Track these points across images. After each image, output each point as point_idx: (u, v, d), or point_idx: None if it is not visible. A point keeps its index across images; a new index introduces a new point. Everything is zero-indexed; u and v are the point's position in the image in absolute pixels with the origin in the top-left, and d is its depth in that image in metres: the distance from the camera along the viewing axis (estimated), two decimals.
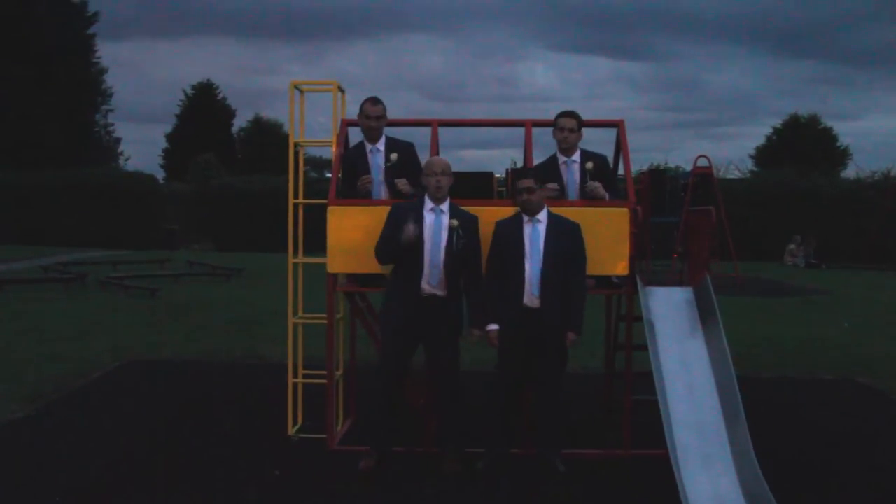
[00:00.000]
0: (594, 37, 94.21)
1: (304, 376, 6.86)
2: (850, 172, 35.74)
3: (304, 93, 6.82)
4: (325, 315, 6.52)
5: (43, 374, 8.70)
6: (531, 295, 5.72)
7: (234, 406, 7.62)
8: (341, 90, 6.82)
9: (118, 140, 44.53)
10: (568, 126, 6.35)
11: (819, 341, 11.40)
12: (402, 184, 6.25)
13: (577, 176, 6.39)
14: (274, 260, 21.29)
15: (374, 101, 6.39)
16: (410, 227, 5.63)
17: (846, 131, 77.67)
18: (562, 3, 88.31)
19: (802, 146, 40.31)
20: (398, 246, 5.68)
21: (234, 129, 50.02)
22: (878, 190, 29.09)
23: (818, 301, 16.35)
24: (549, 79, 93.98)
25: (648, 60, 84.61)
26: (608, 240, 6.13)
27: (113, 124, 43.69)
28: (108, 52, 71.41)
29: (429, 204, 5.83)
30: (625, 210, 6.18)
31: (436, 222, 5.79)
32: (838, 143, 43.05)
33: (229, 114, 50.13)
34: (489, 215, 5.99)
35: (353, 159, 6.45)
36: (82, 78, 39.85)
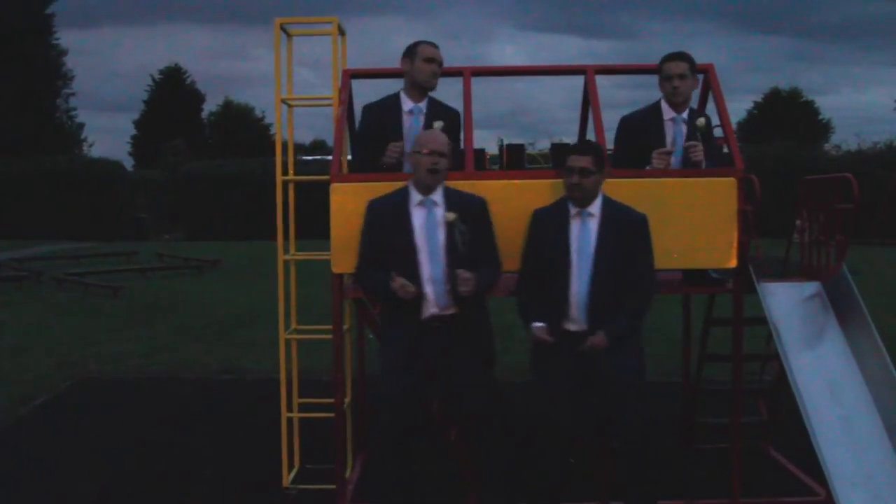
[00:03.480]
0: (563, 16, 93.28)
1: (302, 407, 5.25)
2: (830, 146, 34.80)
3: (293, 37, 5.18)
4: (328, 327, 4.92)
5: None
6: (575, 316, 4.11)
7: (210, 442, 5.99)
8: (342, 31, 5.17)
9: (81, 126, 42.26)
10: (677, 72, 4.72)
11: None
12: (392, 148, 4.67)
13: (683, 137, 4.77)
14: (253, 249, 19.64)
15: (433, 44, 4.78)
16: (409, 288, 4.00)
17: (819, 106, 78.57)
18: None
19: (787, 120, 39.44)
20: (386, 288, 4.07)
21: (205, 115, 48.23)
22: (884, 161, 27.76)
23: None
24: (520, 58, 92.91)
25: (617, 38, 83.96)
26: (708, 222, 4.56)
27: (75, 109, 41.42)
28: (73, 40, 69.22)
29: (415, 196, 4.18)
30: (731, 181, 4.59)
31: (428, 220, 4.15)
32: (820, 117, 42.54)
33: (199, 99, 48.41)
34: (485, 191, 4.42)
35: (382, 118, 4.78)
36: (41, 60, 37.61)
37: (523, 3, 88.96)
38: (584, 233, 4.13)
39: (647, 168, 4.67)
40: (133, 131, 47.43)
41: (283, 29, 5.05)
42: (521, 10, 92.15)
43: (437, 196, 4.17)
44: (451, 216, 4.09)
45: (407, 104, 4.77)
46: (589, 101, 5.00)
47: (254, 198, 28.53)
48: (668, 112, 4.80)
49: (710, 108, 5.18)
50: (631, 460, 4.19)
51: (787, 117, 40.24)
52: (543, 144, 22.66)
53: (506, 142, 6.71)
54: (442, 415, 4.71)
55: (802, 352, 4.34)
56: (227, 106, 46.97)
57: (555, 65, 5.48)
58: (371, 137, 4.78)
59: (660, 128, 4.78)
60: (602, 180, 4.18)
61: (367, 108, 4.83)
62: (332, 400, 4.81)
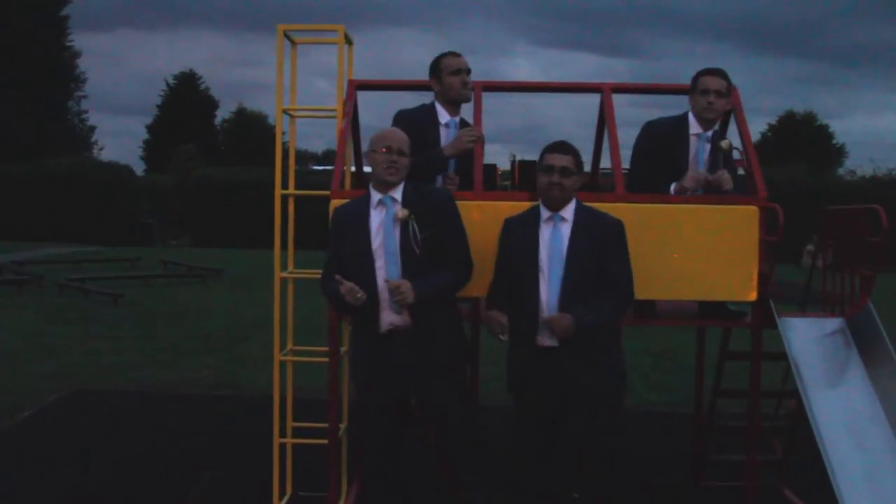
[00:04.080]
0: (580, 33, 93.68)
1: (296, 431, 5.00)
2: (845, 171, 34.61)
3: (297, 44, 4.97)
4: (323, 348, 4.69)
5: None
6: (548, 329, 3.81)
7: (198, 464, 5.73)
8: (349, 41, 4.96)
9: (92, 129, 42.30)
10: (715, 87, 4.47)
11: None
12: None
13: (706, 156, 4.53)
14: (258, 258, 19.42)
15: (456, 53, 4.59)
16: (356, 293, 3.75)
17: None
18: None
19: (799, 144, 39.13)
20: (338, 295, 3.84)
21: (218, 122, 48.26)
22: None
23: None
24: (534, 74, 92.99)
25: (634, 57, 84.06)
26: (728, 251, 4.32)
27: (87, 111, 41.48)
28: (89, 42, 69.37)
29: (374, 196, 3.93)
30: (753, 209, 4.35)
31: (387, 220, 3.89)
32: (833, 141, 42.23)
33: (212, 105, 48.35)
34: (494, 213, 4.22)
35: (419, 126, 4.46)
36: (54, 62, 37.62)
37: (539, 18, 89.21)
38: (555, 237, 3.86)
39: (674, 185, 4.42)
40: (146, 136, 47.39)
41: (286, 36, 4.83)
42: (536, 25, 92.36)
43: (397, 193, 3.91)
44: (403, 213, 3.83)
45: (444, 117, 4.58)
46: (605, 119, 4.78)
47: (262, 206, 28.38)
48: (695, 127, 4.55)
49: (731, 130, 4.96)
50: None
51: (801, 140, 39.93)
52: None
53: (518, 157, 6.36)
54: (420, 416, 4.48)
55: (823, 391, 4.09)
56: (241, 113, 46.92)
57: (570, 81, 5.23)
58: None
59: (685, 141, 4.54)
60: (579, 183, 3.95)
61: (403, 115, 4.56)
62: (327, 424, 4.58)
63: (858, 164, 62.06)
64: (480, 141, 4.51)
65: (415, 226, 3.83)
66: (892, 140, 77.52)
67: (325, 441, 4.66)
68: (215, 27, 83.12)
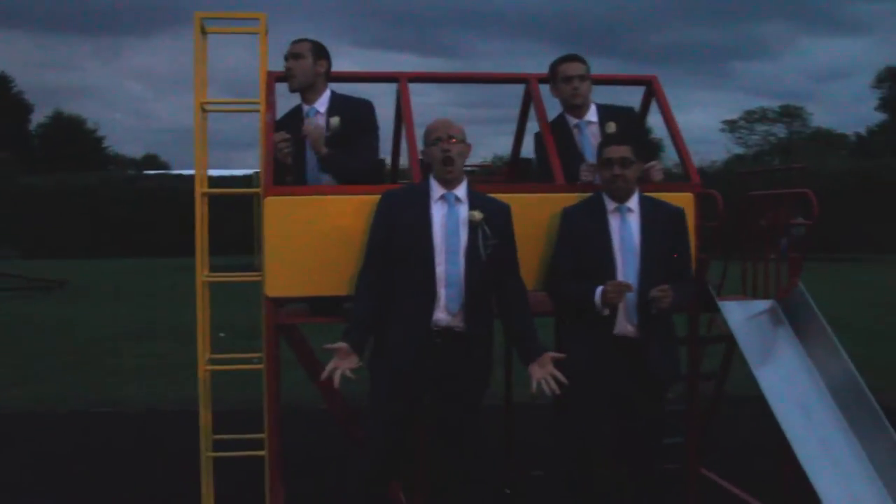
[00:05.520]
0: (400, 34, 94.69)
1: (221, 445, 4.69)
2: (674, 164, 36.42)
3: (209, 34, 4.65)
4: (250, 355, 4.44)
5: None
6: (625, 320, 3.87)
7: (92, 487, 5.31)
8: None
9: None
10: (576, 73, 4.47)
11: None
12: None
13: (594, 142, 4.46)
14: (99, 268, 18.40)
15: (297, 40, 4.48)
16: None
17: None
18: (368, 0, 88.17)
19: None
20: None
21: (33, 127, 45.67)
22: (723, 180, 29.08)
23: None
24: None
25: (453, 57, 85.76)
26: None
27: None
28: None
29: (437, 189, 3.78)
30: (688, 196, 4.41)
31: (449, 216, 3.73)
32: (651, 136, 44.50)
33: (26, 109, 45.61)
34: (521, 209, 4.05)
35: (286, 128, 4.38)
36: None
37: (361, 20, 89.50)
38: (625, 228, 3.91)
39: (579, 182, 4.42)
40: None
41: (202, 24, 4.52)
42: (360, 26, 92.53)
43: (461, 191, 3.77)
44: (478, 215, 3.71)
45: (304, 108, 4.51)
46: (536, 108, 4.75)
47: (95, 213, 27.03)
48: (571, 119, 4.58)
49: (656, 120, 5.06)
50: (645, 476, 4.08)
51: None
52: None
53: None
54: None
55: (766, 367, 4.20)
56: (58, 118, 44.70)
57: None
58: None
59: (567, 134, 4.56)
60: (640, 171, 4.01)
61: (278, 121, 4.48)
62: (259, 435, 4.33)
63: (673, 158, 65.70)
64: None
65: (487, 230, 3.71)
66: (699, 135, 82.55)
67: (259, 453, 4.43)
68: (28, 30, 78.37)
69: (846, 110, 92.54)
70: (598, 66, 4.95)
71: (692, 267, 4.10)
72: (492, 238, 3.72)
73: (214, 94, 4.50)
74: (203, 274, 4.52)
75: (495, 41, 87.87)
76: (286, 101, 4.74)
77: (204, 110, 4.60)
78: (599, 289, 3.78)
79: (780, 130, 65.41)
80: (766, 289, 4.63)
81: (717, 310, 4.42)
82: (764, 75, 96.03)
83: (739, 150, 57.21)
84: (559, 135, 4.58)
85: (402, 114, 4.71)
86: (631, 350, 3.87)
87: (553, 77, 4.57)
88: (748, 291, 4.76)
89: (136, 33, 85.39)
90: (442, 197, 3.76)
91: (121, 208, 28.47)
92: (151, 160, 60.93)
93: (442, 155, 3.71)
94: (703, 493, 4.73)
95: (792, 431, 3.88)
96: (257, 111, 4.51)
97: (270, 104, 4.50)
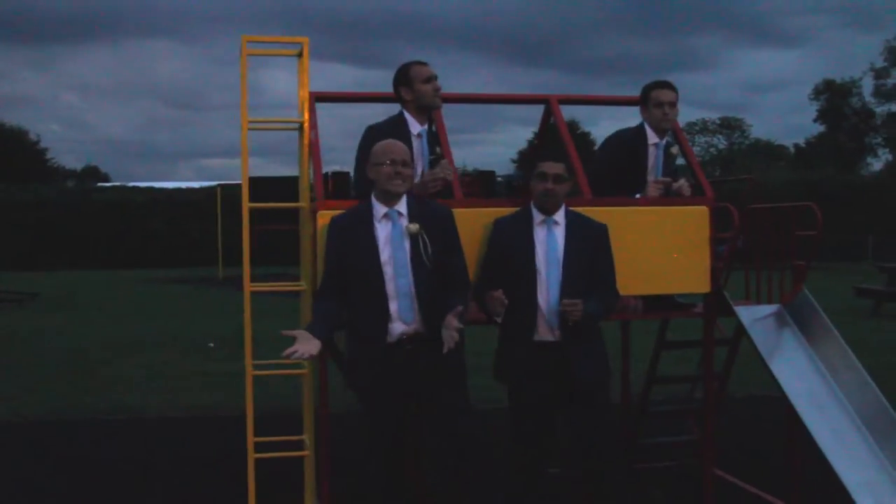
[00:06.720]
0: (336, 45, 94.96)
1: (264, 447, 4.89)
2: None
3: (248, 56, 4.87)
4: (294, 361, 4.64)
5: None
6: (547, 325, 4.10)
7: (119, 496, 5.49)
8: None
9: None
10: (668, 99, 4.94)
11: None
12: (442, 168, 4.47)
13: (660, 162, 5.03)
14: (65, 280, 18.29)
15: (423, 62, 4.63)
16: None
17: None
18: (304, 11, 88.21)
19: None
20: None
21: None
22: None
23: None
24: (293, 85, 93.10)
25: (390, 68, 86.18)
26: (684, 248, 4.76)
27: None
28: None
29: (380, 209, 4.00)
30: (704, 209, 4.80)
31: (394, 233, 3.97)
32: (595, 148, 45.22)
33: None
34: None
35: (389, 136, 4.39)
36: None
37: (296, 29, 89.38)
38: (550, 240, 4.14)
39: (639, 196, 4.81)
40: None
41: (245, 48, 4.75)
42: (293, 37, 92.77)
43: (402, 206, 4.00)
44: (415, 227, 3.93)
45: (415, 127, 4.60)
46: (559, 127, 5.10)
47: (50, 225, 26.75)
48: (652, 137, 4.99)
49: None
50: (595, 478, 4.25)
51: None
52: None
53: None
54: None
55: (779, 365, 4.58)
56: None
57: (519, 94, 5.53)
58: None
59: (645, 151, 4.98)
60: (570, 189, 4.26)
61: (374, 130, 4.53)
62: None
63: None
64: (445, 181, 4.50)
65: (426, 240, 3.93)
66: None
67: (302, 453, 4.68)
68: None
69: (784, 122, 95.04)
70: (539, 78, 5.35)
71: (615, 279, 4.28)
72: (432, 245, 3.95)
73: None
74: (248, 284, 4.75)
75: (436, 52, 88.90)
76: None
77: (249, 129, 4.83)
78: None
79: (719, 142, 67.21)
80: (769, 296, 5.02)
81: (730, 314, 4.79)
82: (703, 87, 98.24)
83: (681, 162, 58.26)
84: (639, 144, 4.99)
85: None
86: (554, 354, 4.08)
87: (645, 100, 5.00)
88: (752, 297, 5.13)
89: (69, 41, 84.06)
90: (385, 215, 3.99)
91: (78, 220, 28.28)
92: (92, 171, 59.98)
93: (391, 177, 3.94)
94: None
95: (807, 418, 4.26)
96: (296, 130, 4.77)
97: (313, 123, 4.75)
